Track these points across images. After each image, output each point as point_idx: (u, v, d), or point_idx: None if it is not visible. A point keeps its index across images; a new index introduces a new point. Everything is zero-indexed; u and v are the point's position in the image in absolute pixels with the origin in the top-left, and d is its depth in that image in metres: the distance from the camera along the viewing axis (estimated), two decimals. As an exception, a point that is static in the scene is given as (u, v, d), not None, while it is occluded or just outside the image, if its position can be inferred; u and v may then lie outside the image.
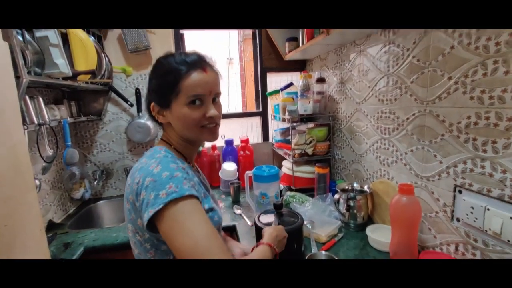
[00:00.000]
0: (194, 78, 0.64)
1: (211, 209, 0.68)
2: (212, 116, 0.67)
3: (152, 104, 0.69)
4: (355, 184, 1.21)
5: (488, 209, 0.70)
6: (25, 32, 0.92)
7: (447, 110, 0.81)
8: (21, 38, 0.89)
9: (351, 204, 1.12)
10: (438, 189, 0.87)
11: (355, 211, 1.11)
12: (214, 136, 0.71)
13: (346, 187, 1.21)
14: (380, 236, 0.97)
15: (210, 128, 0.69)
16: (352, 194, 1.13)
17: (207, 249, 0.52)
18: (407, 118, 0.98)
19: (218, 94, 0.71)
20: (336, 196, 1.17)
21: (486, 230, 0.71)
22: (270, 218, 0.92)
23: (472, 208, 0.74)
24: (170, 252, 0.62)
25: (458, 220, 0.80)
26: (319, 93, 1.51)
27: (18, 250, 0.70)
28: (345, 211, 1.13)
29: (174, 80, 0.64)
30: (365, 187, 1.17)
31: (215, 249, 0.53)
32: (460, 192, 0.79)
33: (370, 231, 1.01)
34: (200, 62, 0.67)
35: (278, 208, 0.90)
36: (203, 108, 0.67)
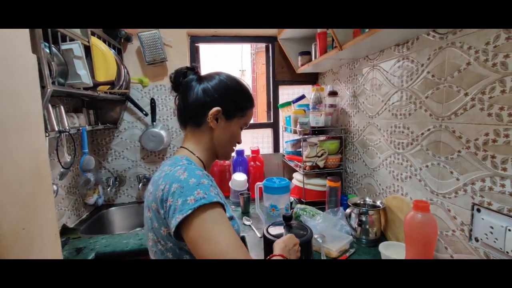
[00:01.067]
0: (252, 113, 0.80)
1: (231, 218, 0.69)
2: (240, 142, 0.81)
3: (217, 108, 0.71)
4: (367, 199, 1.19)
5: (510, 230, 0.67)
6: (52, 44, 0.97)
7: (464, 126, 0.80)
8: (48, 51, 0.94)
9: (363, 219, 1.09)
10: (455, 206, 0.85)
11: (367, 226, 1.09)
12: (230, 157, 0.84)
13: (358, 202, 1.18)
14: (394, 254, 0.94)
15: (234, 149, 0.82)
16: (364, 209, 1.11)
17: (233, 258, 0.52)
18: (422, 134, 0.96)
19: None
20: (348, 210, 1.15)
21: (507, 252, 0.68)
22: (279, 230, 0.91)
23: (492, 228, 0.72)
24: None
25: (476, 240, 0.77)
26: (331, 106, 1.51)
27: (34, 254, 0.71)
28: (356, 226, 1.11)
29: (247, 105, 0.76)
30: (378, 202, 1.15)
31: (241, 258, 0.53)
32: (478, 210, 0.76)
33: (383, 248, 0.98)
34: None
35: (287, 220, 0.89)
36: (240, 134, 0.80)
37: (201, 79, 0.74)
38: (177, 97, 0.76)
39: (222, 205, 0.59)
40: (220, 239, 0.53)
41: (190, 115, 0.73)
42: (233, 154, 1.81)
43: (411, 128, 1.02)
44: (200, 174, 0.61)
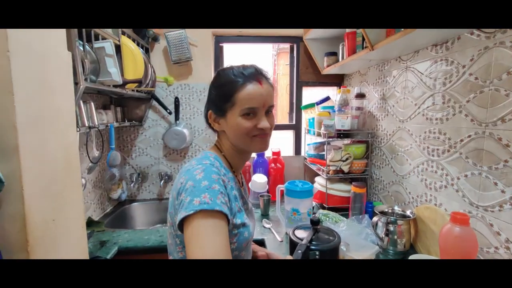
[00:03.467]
0: (249, 91, 0.67)
1: (243, 224, 0.69)
2: (263, 128, 0.69)
3: (210, 112, 0.74)
4: (396, 208, 1.13)
5: None
6: (86, 43, 1.00)
7: (512, 134, 0.72)
8: (81, 48, 0.98)
9: (391, 229, 1.03)
10: (498, 221, 0.77)
11: (395, 236, 1.03)
12: (264, 146, 0.73)
13: (386, 210, 1.12)
14: (425, 268, 0.88)
15: (260, 138, 0.71)
16: (392, 218, 1.05)
17: None
18: (461, 140, 0.89)
19: (271, 106, 0.72)
20: (375, 218, 1.09)
21: None
22: (305, 233, 0.88)
23: (545, 248, 0.64)
24: None
25: (524, 260, 0.70)
26: (358, 108, 1.45)
27: (62, 244, 0.73)
28: (384, 236, 1.05)
29: (230, 91, 0.68)
30: (408, 212, 1.08)
31: None
32: (528, 227, 0.69)
33: (413, 261, 0.92)
34: (256, 75, 0.69)
35: (315, 224, 0.85)
36: (255, 119, 0.69)
37: None
38: None
39: (224, 215, 0.60)
40: (207, 246, 0.55)
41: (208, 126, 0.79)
42: (254, 155, 1.79)
43: (448, 134, 0.95)
44: (215, 178, 0.62)
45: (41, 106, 0.67)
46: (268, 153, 1.81)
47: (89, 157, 1.22)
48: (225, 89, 0.69)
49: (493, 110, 0.78)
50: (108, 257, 1.10)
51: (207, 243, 0.55)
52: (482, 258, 0.83)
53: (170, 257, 0.74)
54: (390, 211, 1.12)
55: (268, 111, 0.71)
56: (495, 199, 0.78)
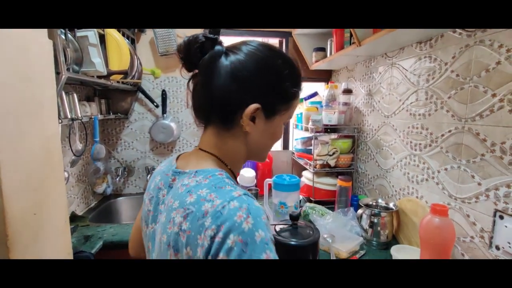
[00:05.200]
0: (298, 101, 0.55)
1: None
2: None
3: (255, 106, 0.48)
4: (380, 200, 1.16)
5: (535, 239, 0.64)
6: (68, 31, 0.96)
7: (489, 129, 0.76)
8: (63, 37, 0.94)
9: (375, 220, 1.07)
10: (474, 212, 0.81)
11: (378, 228, 1.06)
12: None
13: (370, 203, 1.16)
14: (406, 257, 0.92)
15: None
16: (376, 210, 1.08)
17: None
18: (442, 135, 0.93)
19: None
20: (359, 211, 1.12)
21: (531, 262, 0.65)
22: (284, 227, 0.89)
23: (516, 236, 0.68)
24: None
25: (497, 248, 0.74)
26: (345, 104, 1.47)
27: (44, 239, 0.71)
28: (368, 228, 1.08)
29: (295, 92, 0.52)
30: (391, 204, 1.12)
31: None
32: (501, 217, 0.73)
33: (395, 251, 0.96)
34: None
35: (294, 219, 0.86)
36: (282, 130, 0.59)
37: (227, 54, 0.50)
38: (192, 79, 0.53)
39: None
40: None
41: (215, 111, 0.51)
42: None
43: (430, 129, 0.98)
44: (266, 221, 0.42)
45: (20, 96, 0.64)
46: (256, 148, 1.81)
47: (72, 150, 1.19)
48: (293, 84, 0.51)
49: (472, 106, 0.81)
50: (93, 251, 1.08)
51: None
52: (459, 247, 0.87)
53: None
54: (374, 203, 1.16)
55: None
56: (472, 191, 0.82)
